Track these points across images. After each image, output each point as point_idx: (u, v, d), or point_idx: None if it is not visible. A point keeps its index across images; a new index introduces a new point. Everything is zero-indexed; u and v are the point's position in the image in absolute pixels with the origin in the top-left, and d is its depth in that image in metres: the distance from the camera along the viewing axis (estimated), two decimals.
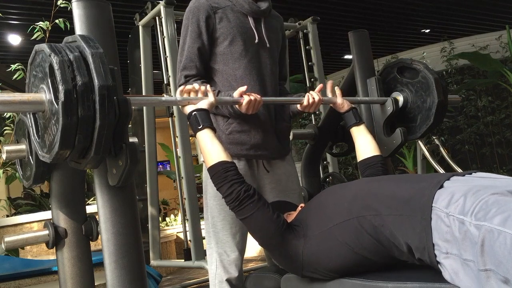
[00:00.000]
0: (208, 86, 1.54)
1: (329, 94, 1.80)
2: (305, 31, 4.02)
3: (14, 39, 5.72)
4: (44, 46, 1.04)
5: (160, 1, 3.24)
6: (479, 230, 0.97)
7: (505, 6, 6.62)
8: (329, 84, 1.80)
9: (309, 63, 4.01)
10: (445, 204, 1.07)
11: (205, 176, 1.79)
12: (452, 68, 7.62)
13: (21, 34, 5.49)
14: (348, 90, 2.38)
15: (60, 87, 0.98)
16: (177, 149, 3.25)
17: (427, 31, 7.67)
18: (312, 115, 4.15)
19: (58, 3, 3.39)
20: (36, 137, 1.14)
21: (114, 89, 1.04)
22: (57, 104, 0.99)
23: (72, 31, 1.40)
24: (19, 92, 1.07)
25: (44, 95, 1.05)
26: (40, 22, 3.44)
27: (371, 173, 1.64)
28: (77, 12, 1.33)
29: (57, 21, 3.42)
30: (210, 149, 1.43)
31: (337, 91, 1.80)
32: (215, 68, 1.76)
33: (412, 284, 1.12)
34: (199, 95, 1.51)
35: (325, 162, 3.93)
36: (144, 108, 3.76)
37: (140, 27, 3.63)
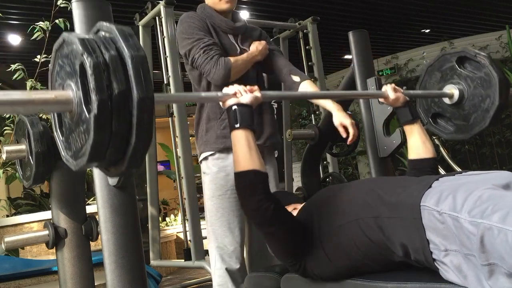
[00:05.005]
0: (256, 86, 1.40)
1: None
2: (305, 31, 4.03)
3: (14, 39, 5.72)
4: (75, 41, 0.87)
5: (160, 1, 3.23)
6: (476, 228, 0.97)
7: (505, 6, 6.62)
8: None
9: (309, 63, 4.02)
10: (434, 202, 1.07)
11: (203, 177, 1.84)
12: None
13: (21, 34, 5.48)
14: (348, 90, 2.39)
15: (94, 97, 0.83)
16: (177, 149, 3.25)
17: (427, 31, 7.67)
18: (312, 115, 4.15)
19: (58, 3, 3.40)
20: (59, 133, 1.01)
21: (153, 102, 0.89)
22: (89, 114, 0.85)
23: (72, 31, 1.41)
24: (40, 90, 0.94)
25: (71, 92, 0.89)
26: (40, 22, 3.44)
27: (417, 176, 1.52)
28: (77, 12, 1.34)
29: (57, 21, 3.42)
30: (245, 152, 1.29)
31: (389, 85, 1.64)
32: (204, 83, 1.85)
33: (412, 284, 1.12)
34: (244, 93, 1.35)
35: (325, 162, 3.94)
36: None
37: (140, 27, 3.63)
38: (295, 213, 1.46)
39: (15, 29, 5.44)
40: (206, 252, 2.79)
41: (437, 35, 7.76)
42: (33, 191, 5.03)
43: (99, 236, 1.39)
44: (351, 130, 1.72)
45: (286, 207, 1.52)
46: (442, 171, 3.01)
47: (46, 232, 1.64)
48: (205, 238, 2.28)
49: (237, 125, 1.30)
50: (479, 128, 1.79)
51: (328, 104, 1.83)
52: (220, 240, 1.78)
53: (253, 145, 1.30)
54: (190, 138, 3.17)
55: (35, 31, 3.47)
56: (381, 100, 1.67)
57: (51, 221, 1.64)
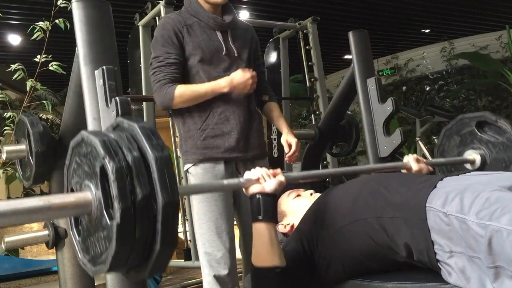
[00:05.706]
0: (279, 169, 1.33)
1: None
2: (305, 31, 4.02)
3: (14, 39, 5.73)
4: (95, 142, 0.81)
5: (160, 1, 3.23)
6: (484, 230, 0.96)
7: (505, 6, 6.61)
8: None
9: (309, 63, 4.01)
10: (440, 203, 1.07)
11: (190, 179, 1.81)
12: (452, 68, 7.62)
13: (21, 34, 5.49)
14: (348, 90, 2.39)
15: (116, 205, 0.77)
16: (177, 149, 3.25)
17: (427, 31, 7.68)
18: (312, 115, 4.15)
19: (58, 3, 3.39)
20: (75, 233, 0.93)
21: (178, 205, 0.83)
22: (110, 220, 0.79)
23: (72, 31, 1.41)
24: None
25: (90, 194, 0.83)
26: (40, 22, 3.44)
27: None
28: (77, 12, 1.34)
29: (57, 21, 3.41)
30: (265, 247, 1.23)
31: (411, 156, 1.61)
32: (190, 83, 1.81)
33: (412, 284, 1.12)
34: (267, 178, 1.27)
35: (325, 162, 3.93)
36: (144, 108, 3.76)
37: (140, 27, 3.63)
38: (297, 201, 1.45)
39: (15, 29, 5.45)
40: None
41: (437, 35, 7.76)
42: (33, 191, 5.03)
43: None
44: (293, 148, 1.88)
45: (290, 192, 1.52)
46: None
47: (46, 232, 1.64)
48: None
49: (260, 217, 1.24)
50: None
51: (281, 125, 1.93)
52: (207, 245, 1.73)
53: (274, 240, 1.24)
54: None
55: (35, 31, 3.46)
56: (403, 171, 1.61)
57: (51, 221, 1.64)
